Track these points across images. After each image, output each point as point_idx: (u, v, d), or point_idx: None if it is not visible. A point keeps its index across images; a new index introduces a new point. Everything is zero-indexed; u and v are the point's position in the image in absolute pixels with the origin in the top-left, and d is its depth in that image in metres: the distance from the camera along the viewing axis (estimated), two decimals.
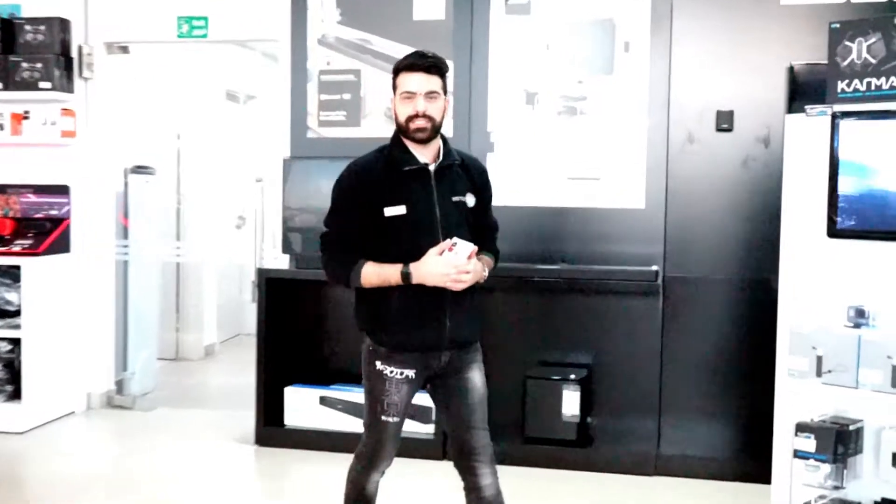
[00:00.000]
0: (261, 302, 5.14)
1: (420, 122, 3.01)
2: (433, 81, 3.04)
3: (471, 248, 2.95)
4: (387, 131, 5.05)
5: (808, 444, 3.33)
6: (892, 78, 3.23)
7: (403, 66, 3.07)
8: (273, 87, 6.25)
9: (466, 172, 3.17)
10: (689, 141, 4.71)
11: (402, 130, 3.08)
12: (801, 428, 3.36)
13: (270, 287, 5.11)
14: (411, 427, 4.94)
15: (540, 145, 4.93)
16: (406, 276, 2.97)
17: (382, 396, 3.11)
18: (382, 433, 3.12)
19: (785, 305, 3.54)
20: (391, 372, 3.09)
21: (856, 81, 3.32)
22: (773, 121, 4.50)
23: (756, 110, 4.63)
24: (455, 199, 3.09)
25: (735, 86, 4.65)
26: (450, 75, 4.87)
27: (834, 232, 3.36)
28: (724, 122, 4.66)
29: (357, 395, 4.98)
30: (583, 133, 4.87)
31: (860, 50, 3.30)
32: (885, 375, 3.17)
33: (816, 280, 3.44)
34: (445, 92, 3.11)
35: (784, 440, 3.53)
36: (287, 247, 5.16)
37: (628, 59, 4.77)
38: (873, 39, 3.27)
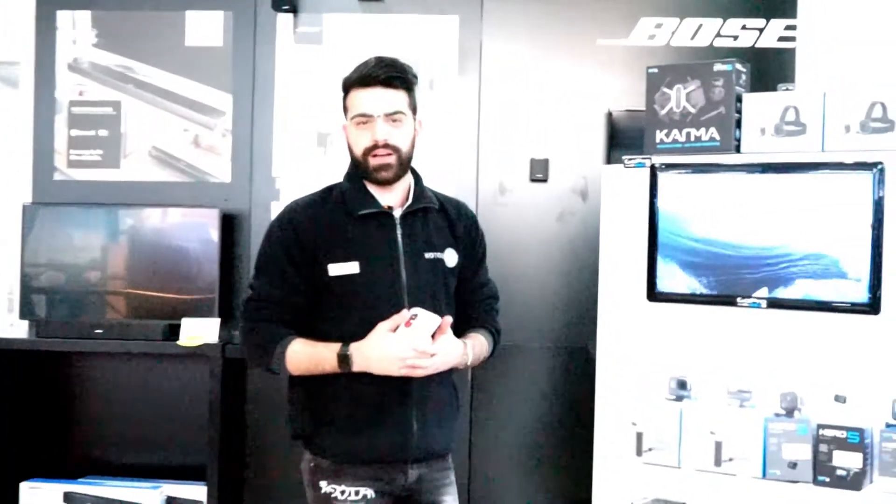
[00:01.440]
0: None
1: (382, 158, 2.64)
2: (397, 98, 2.67)
3: (436, 320, 2.54)
4: (153, 174, 5.03)
5: None
6: (712, 129, 3.47)
7: (354, 80, 2.70)
8: (12, 118, 6.03)
9: (447, 221, 2.82)
10: (501, 192, 4.88)
11: (359, 168, 2.72)
12: None
13: (4, 360, 4.89)
14: None
15: None
16: (345, 359, 2.54)
17: None
18: None
19: (603, 376, 3.70)
20: (343, 493, 2.64)
21: (675, 131, 3.55)
22: (591, 171, 4.72)
23: (573, 159, 4.84)
24: (429, 255, 2.72)
25: (550, 132, 4.85)
26: (228, 110, 4.96)
27: (654, 295, 3.55)
28: (539, 171, 4.85)
29: (112, 489, 4.81)
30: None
31: (679, 98, 3.53)
32: (708, 453, 3.36)
33: (636, 348, 3.62)
34: (415, 111, 2.76)
35: None
36: (27, 311, 4.95)
37: (433, 99, 4.91)
38: (692, 87, 3.51)
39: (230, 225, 4.89)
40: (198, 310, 4.72)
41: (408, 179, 2.78)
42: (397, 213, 2.72)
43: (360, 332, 2.58)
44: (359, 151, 2.69)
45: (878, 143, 3.23)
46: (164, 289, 4.82)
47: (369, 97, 2.66)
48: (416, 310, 2.55)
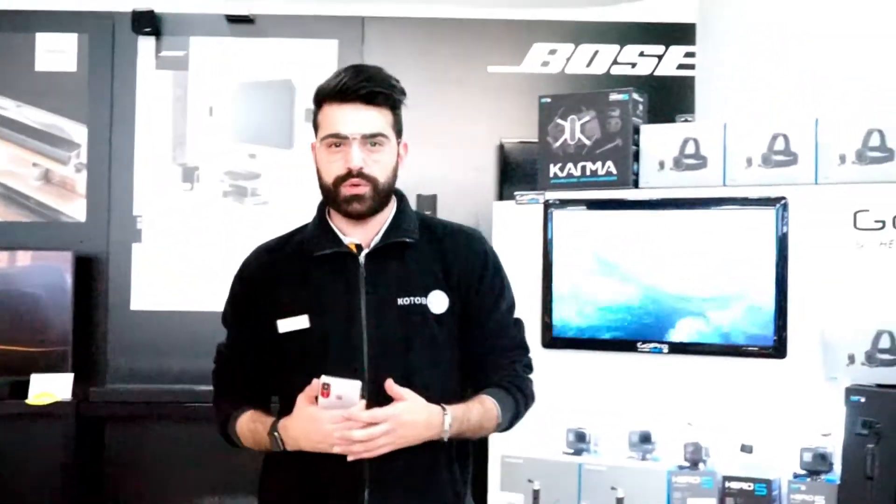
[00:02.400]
0: None
1: (356, 188, 2.33)
2: (378, 118, 2.35)
3: (355, 387, 2.20)
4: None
5: None
6: (609, 162, 3.53)
7: (328, 92, 2.37)
8: None
9: (441, 257, 2.46)
10: None
11: (328, 198, 2.41)
12: None
13: None
14: None
15: (201, 234, 4.93)
16: (274, 439, 2.31)
17: None
18: None
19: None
20: None
21: (570, 165, 3.60)
22: (482, 208, 4.75)
23: (463, 195, 4.87)
24: (403, 301, 2.38)
25: (439, 165, 4.88)
26: (83, 142, 4.89)
27: (549, 341, 3.58)
28: (427, 208, 4.86)
29: None
30: (255, 219, 4.93)
31: (573, 129, 3.59)
32: None
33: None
34: (400, 134, 2.44)
35: None
36: None
37: (311, 129, 4.89)
38: (587, 118, 3.56)
39: (86, 269, 4.80)
40: (49, 364, 4.61)
41: (389, 211, 2.46)
42: (363, 253, 2.40)
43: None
44: (329, 179, 2.36)
45: (782, 176, 3.33)
46: (10, 341, 4.69)
47: (345, 115, 2.34)
48: (327, 378, 2.23)
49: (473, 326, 2.46)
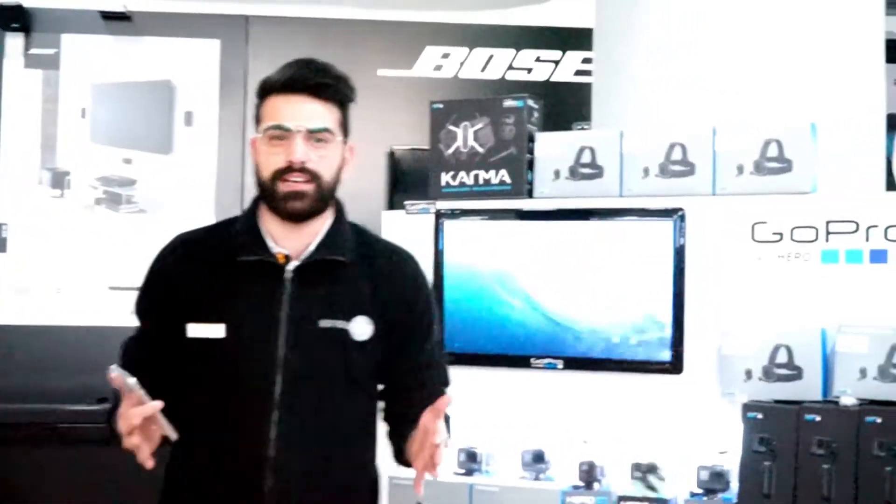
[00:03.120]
0: None
1: (296, 183, 2.25)
2: (325, 113, 2.31)
3: (135, 384, 2.06)
4: None
5: None
6: (503, 171, 3.54)
7: (273, 83, 2.33)
8: None
9: (371, 280, 2.41)
10: None
11: (265, 194, 2.33)
12: None
13: None
14: None
15: (71, 243, 4.84)
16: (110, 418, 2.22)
17: None
18: None
19: (385, 449, 3.69)
20: None
21: (462, 174, 3.60)
22: (371, 217, 4.72)
23: (352, 202, 4.81)
24: (325, 323, 2.31)
25: None
26: None
27: None
28: None
29: None
30: (131, 229, 4.85)
31: (466, 136, 3.59)
32: None
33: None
34: (347, 133, 2.40)
35: None
36: None
37: (191, 134, 4.85)
38: (480, 125, 3.57)
39: None
40: None
41: (324, 220, 2.39)
42: (291, 266, 2.33)
43: (216, 412, 2.27)
44: (267, 174, 2.29)
45: (679, 187, 3.36)
46: None
47: (290, 107, 2.29)
48: (115, 368, 2.08)
49: (402, 357, 2.43)
